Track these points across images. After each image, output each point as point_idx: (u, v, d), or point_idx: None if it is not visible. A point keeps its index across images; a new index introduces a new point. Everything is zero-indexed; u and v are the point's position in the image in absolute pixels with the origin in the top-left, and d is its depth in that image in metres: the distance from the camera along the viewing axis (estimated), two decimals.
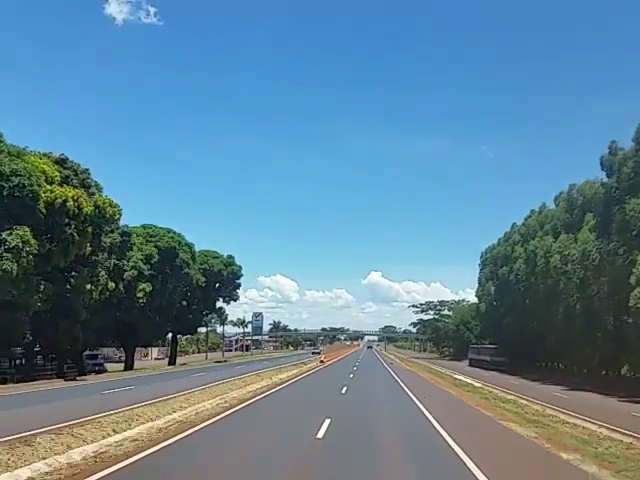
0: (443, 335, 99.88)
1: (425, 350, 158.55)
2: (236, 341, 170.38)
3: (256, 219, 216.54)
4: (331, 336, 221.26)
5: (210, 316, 61.12)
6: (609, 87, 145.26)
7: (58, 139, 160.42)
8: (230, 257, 55.96)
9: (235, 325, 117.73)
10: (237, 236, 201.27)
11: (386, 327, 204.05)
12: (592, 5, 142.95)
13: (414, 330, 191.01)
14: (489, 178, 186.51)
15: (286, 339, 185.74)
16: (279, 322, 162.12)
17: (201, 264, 50.82)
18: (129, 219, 41.74)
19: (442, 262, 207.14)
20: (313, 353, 68.64)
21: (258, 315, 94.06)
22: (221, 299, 56.90)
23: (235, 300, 58.11)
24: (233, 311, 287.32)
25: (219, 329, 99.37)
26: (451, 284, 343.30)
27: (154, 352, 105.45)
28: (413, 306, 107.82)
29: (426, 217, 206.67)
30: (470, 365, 68.42)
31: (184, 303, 47.86)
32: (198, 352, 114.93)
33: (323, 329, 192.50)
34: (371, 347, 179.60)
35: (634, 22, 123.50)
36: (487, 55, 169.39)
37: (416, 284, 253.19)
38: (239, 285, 57.45)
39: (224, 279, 53.91)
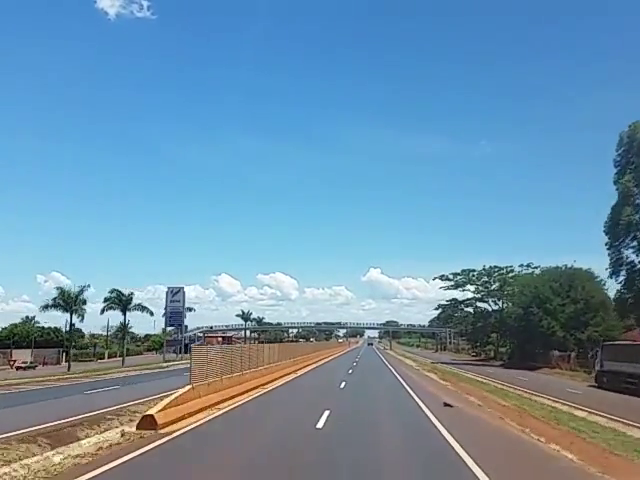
0: (495, 324, 60.11)
1: (444, 349, 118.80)
2: (205, 337, 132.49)
3: (254, 217, 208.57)
4: (327, 332, 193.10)
5: None
6: (608, 82, 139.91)
7: (51, 135, 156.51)
8: None
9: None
10: (235, 235, 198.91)
11: (388, 322, 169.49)
12: (591, 3, 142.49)
13: (424, 324, 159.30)
14: (488, 173, 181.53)
15: (268, 336, 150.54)
16: (249, 312, 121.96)
17: None
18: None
19: (441, 259, 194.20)
20: None
21: (176, 292, 53.90)
22: None
23: None
24: (231, 308, 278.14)
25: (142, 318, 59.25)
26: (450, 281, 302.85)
27: (22, 355, 65.66)
28: (440, 278, 66.38)
29: (424, 213, 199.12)
30: (602, 386, 29.40)
31: None
32: (118, 356, 76.33)
33: (317, 324, 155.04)
34: (371, 344, 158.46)
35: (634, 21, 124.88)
36: (484, 51, 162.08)
37: (415, 280, 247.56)
38: None
39: None
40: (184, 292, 53.98)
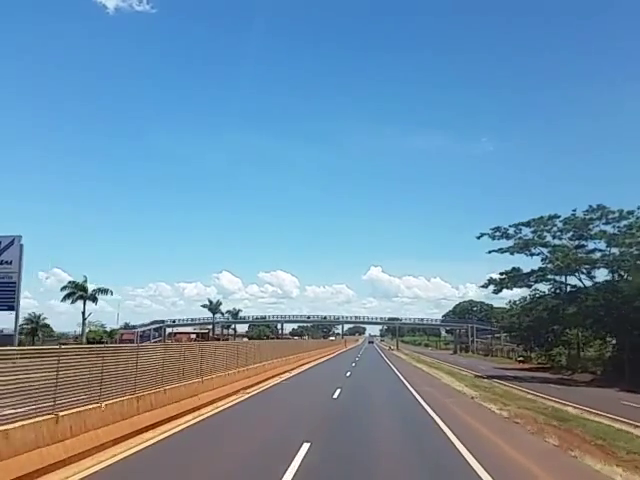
0: (595, 310, 34.52)
1: (466, 350, 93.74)
2: (165, 333, 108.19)
3: (256, 215, 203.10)
4: (324, 329, 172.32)
5: None
6: (606, 80, 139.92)
7: (45, 133, 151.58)
8: None
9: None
10: (236, 232, 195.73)
11: (390, 319, 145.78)
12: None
13: (435, 319, 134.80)
14: (489, 171, 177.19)
15: (251, 332, 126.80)
16: (219, 302, 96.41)
17: None
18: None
19: (442, 257, 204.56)
20: None
21: (5, 248, 28.91)
22: None
23: None
24: (232, 306, 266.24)
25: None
26: (451, 279, 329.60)
27: None
28: (492, 235, 35.39)
29: (425, 212, 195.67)
30: None
31: None
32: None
33: (308, 317, 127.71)
34: (372, 342, 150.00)
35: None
36: (485, 49, 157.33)
37: (416, 279, 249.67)
38: None
39: None
40: (22, 246, 28.09)
